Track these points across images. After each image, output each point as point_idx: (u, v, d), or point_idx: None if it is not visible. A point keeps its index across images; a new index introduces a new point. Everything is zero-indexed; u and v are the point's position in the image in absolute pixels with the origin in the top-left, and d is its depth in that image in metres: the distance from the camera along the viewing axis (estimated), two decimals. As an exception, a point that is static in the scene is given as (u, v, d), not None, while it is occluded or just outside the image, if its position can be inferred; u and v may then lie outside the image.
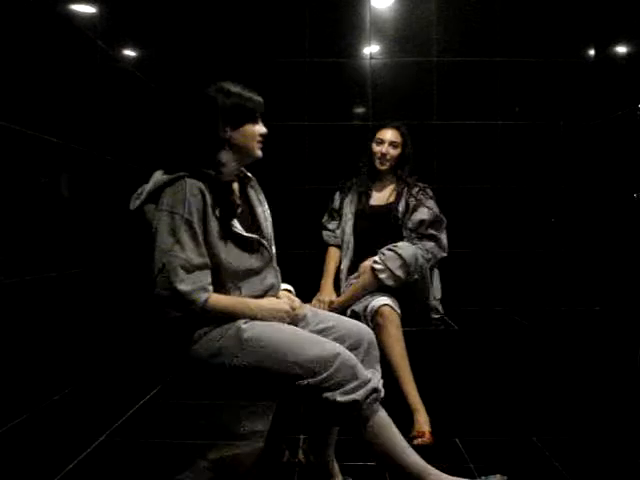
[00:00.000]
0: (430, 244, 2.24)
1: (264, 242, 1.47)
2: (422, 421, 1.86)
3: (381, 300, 2.00)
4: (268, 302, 1.44)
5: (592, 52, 2.67)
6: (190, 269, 1.29)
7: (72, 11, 1.55)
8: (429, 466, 1.30)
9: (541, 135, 2.69)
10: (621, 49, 2.48)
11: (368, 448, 1.32)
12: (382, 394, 1.35)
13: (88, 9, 1.66)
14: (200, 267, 1.31)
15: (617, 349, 2.07)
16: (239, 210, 1.43)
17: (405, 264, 2.02)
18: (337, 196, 2.53)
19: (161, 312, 1.33)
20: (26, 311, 1.27)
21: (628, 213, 2.30)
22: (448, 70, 2.69)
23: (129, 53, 2.01)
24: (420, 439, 1.81)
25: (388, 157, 2.35)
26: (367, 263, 2.12)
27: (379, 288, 2.07)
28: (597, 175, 2.62)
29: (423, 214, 2.26)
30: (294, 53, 2.69)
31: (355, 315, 2.07)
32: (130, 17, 2.01)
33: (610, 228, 2.50)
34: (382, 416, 1.32)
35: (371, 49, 2.71)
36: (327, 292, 2.33)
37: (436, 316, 2.25)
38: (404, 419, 1.86)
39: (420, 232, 2.26)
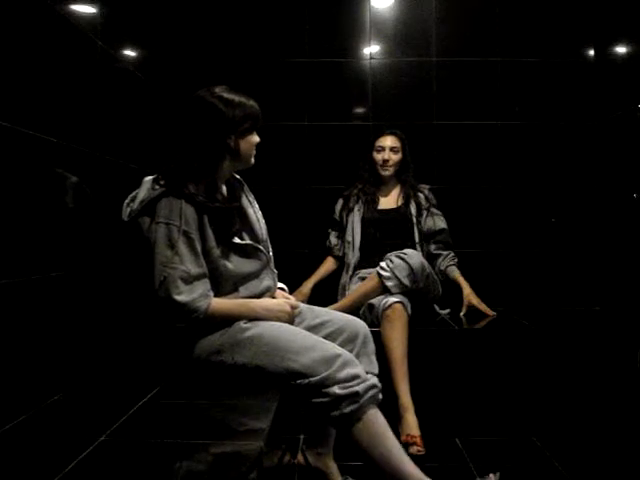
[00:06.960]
0: (448, 252, 2.42)
1: (260, 247, 1.47)
2: (412, 422, 1.85)
3: (397, 297, 2.02)
4: (269, 302, 1.45)
5: (592, 52, 2.66)
6: (189, 280, 1.29)
7: (72, 11, 1.55)
8: (426, 477, 1.27)
9: (541, 135, 2.68)
10: (621, 49, 2.47)
11: (362, 451, 1.30)
12: (380, 396, 1.34)
13: (88, 9, 1.66)
14: (198, 277, 1.32)
15: (617, 349, 2.07)
16: (236, 226, 1.43)
17: (412, 273, 2.03)
18: (339, 206, 2.53)
19: (165, 323, 1.33)
20: (29, 310, 1.28)
21: (628, 213, 2.30)
22: (448, 70, 2.69)
23: (129, 53, 2.01)
24: (415, 447, 1.78)
25: (390, 163, 2.40)
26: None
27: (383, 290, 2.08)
28: (597, 175, 2.62)
29: (443, 222, 2.43)
30: (294, 53, 2.68)
31: (371, 307, 2.08)
32: (130, 17, 2.01)
33: (610, 228, 2.50)
34: (379, 418, 1.31)
35: (371, 49, 2.71)
36: (303, 290, 2.39)
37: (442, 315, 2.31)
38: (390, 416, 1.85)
39: (440, 240, 2.42)
